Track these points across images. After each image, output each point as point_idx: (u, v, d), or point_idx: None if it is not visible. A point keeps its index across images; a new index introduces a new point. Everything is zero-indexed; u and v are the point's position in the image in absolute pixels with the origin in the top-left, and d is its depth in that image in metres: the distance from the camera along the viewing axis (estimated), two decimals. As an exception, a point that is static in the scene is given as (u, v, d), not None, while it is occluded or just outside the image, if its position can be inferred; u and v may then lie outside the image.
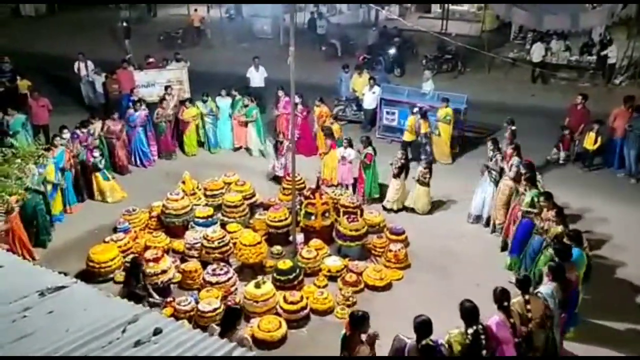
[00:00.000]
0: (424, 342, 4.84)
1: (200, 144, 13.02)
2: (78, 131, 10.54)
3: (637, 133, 11.00)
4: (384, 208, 10.14)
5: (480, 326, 5.17)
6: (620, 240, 9.12)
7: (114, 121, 11.43)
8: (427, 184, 9.93)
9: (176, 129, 12.76)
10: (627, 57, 17.69)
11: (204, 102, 12.77)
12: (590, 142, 11.64)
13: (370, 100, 13.65)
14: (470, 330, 5.11)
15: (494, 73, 18.70)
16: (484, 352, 5.14)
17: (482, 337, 5.12)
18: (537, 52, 17.71)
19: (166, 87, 13.23)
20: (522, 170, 8.52)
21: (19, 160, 5.86)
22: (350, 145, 10.53)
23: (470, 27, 21.60)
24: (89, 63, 15.04)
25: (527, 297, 5.64)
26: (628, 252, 8.82)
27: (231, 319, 5.23)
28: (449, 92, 13.45)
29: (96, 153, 10.41)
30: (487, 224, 9.60)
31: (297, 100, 12.47)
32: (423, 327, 4.90)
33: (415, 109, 12.11)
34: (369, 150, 10.26)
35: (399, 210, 10.16)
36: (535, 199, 7.86)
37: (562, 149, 12.14)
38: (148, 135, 12.14)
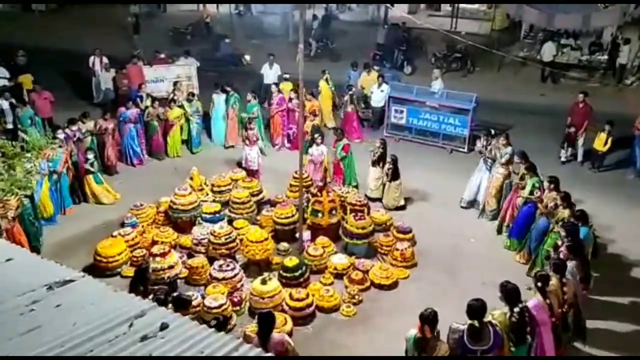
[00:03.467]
0: (470, 322, 5.04)
1: (185, 142, 12.76)
2: (68, 130, 10.28)
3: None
4: (367, 197, 10.13)
5: (523, 305, 5.37)
6: (626, 242, 9.03)
7: (105, 120, 11.29)
8: (394, 179, 9.98)
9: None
10: (638, 57, 17.53)
11: (189, 101, 12.61)
12: (600, 143, 11.53)
13: (378, 98, 13.62)
14: (516, 309, 5.28)
15: (504, 72, 18.59)
16: (528, 328, 5.36)
17: (526, 314, 5.34)
18: (547, 51, 17.58)
19: (175, 83, 13.26)
20: (516, 160, 8.96)
21: (28, 154, 5.88)
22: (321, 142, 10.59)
23: (480, 25, 21.43)
24: (104, 59, 15.07)
25: (564, 279, 5.91)
26: (631, 252, 8.76)
27: (268, 325, 5.04)
28: (459, 91, 13.40)
29: (89, 155, 10.18)
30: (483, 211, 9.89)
31: (292, 95, 12.53)
32: (471, 311, 5.05)
33: (287, 75, 13.63)
34: (346, 141, 10.55)
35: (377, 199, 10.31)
36: (537, 185, 8.33)
37: (569, 147, 12.07)
38: (139, 134, 11.98)
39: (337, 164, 10.67)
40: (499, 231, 9.28)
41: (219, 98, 12.93)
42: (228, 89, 12.96)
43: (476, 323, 4.99)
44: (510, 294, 5.36)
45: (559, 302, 5.81)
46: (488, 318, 5.22)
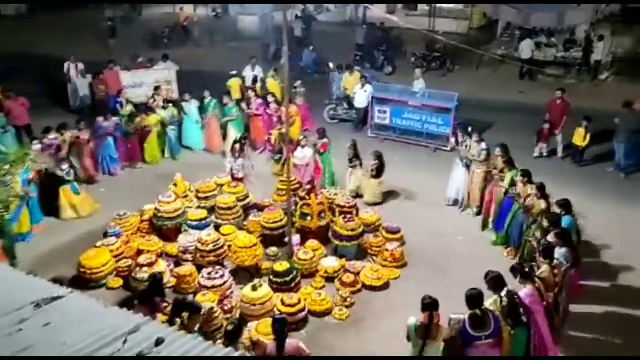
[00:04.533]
0: (471, 312, 5.27)
1: (162, 151, 12.42)
2: (46, 140, 9.87)
3: (627, 128, 11.09)
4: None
5: (508, 289, 5.63)
6: (608, 234, 9.18)
7: (80, 131, 10.86)
8: (377, 176, 10.11)
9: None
10: (612, 53, 17.91)
11: (165, 108, 12.31)
12: (579, 138, 11.69)
13: (361, 99, 13.59)
14: (502, 293, 5.55)
15: (482, 71, 18.79)
16: (522, 310, 5.60)
17: (515, 297, 5.57)
18: (526, 49, 17.79)
19: (156, 88, 13.01)
20: (497, 152, 9.14)
21: (7, 167, 5.67)
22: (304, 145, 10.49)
23: (458, 24, 21.66)
24: (80, 65, 14.74)
25: (553, 264, 6.25)
26: (614, 245, 8.91)
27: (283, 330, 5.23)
28: (439, 90, 13.46)
29: (64, 166, 9.70)
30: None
31: (271, 99, 12.47)
32: (470, 300, 5.29)
33: (234, 72, 14.28)
34: (325, 140, 10.57)
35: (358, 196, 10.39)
36: (515, 179, 8.56)
37: (542, 142, 12.24)
38: (117, 143, 11.61)
39: (317, 162, 10.63)
40: (484, 227, 9.42)
41: (189, 106, 12.65)
42: (206, 94, 12.75)
43: (478, 312, 5.21)
44: (494, 281, 5.67)
45: (552, 286, 6.12)
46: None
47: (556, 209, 7.71)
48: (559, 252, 6.49)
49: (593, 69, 17.53)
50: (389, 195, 10.66)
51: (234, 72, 14.31)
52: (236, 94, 13.68)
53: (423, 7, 25.31)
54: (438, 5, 23.76)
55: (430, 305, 5.19)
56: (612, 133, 11.61)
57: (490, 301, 5.56)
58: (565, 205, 7.61)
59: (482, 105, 14.73)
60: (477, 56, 17.81)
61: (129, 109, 12.32)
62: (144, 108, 12.39)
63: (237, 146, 10.39)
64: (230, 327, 5.35)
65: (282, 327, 5.19)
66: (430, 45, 19.21)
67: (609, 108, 12.81)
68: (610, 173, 11.61)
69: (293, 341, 5.20)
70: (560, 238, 6.67)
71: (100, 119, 11.42)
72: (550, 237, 6.79)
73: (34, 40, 21.72)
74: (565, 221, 7.27)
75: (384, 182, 10.33)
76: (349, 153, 10.41)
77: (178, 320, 5.70)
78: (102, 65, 14.68)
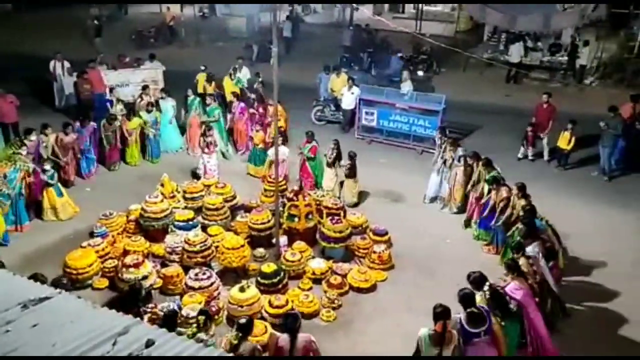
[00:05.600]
0: (468, 310, 5.45)
1: (143, 152, 12.26)
2: (27, 142, 9.63)
3: (612, 132, 11.27)
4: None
5: (489, 283, 5.99)
6: (594, 236, 9.35)
7: (66, 135, 10.60)
8: (352, 176, 10.23)
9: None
10: (597, 58, 18.20)
11: (149, 112, 12.11)
12: (564, 141, 11.85)
13: (349, 100, 13.63)
14: (485, 288, 5.89)
15: (469, 73, 18.94)
16: (508, 298, 5.97)
17: (497, 287, 5.95)
18: (515, 52, 17.98)
19: (144, 87, 12.89)
20: (469, 161, 9.57)
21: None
22: (283, 143, 10.46)
23: (445, 27, 21.81)
24: (66, 63, 14.55)
25: (528, 255, 6.76)
26: (602, 245, 9.07)
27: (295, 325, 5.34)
28: (426, 92, 13.55)
29: (47, 166, 9.51)
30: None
31: (252, 96, 12.45)
32: (464, 300, 5.49)
33: (203, 67, 14.49)
34: (314, 143, 10.56)
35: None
36: (497, 177, 8.87)
37: (528, 145, 12.43)
38: (94, 145, 11.39)
39: (304, 165, 10.62)
40: (466, 225, 9.61)
41: (165, 104, 12.56)
42: (189, 93, 12.66)
43: (475, 309, 5.39)
44: (475, 280, 6.00)
45: (532, 275, 6.57)
46: None
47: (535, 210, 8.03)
48: (529, 248, 6.95)
49: (578, 73, 17.80)
50: (375, 197, 10.71)
51: (202, 67, 14.43)
52: (201, 88, 13.75)
53: (410, 10, 25.50)
54: (425, 7, 23.94)
55: (442, 314, 5.22)
56: (597, 137, 11.78)
57: (478, 299, 5.76)
58: (530, 210, 7.87)
59: (468, 107, 14.85)
60: (463, 59, 17.97)
61: (119, 107, 12.20)
62: (128, 108, 12.27)
63: (201, 139, 10.33)
64: (242, 321, 5.38)
65: (294, 322, 5.28)
66: (417, 48, 19.34)
67: (593, 112, 13.02)
68: (594, 177, 11.75)
69: (305, 335, 5.30)
70: (525, 235, 7.26)
71: (76, 124, 11.11)
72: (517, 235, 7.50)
73: (19, 39, 21.41)
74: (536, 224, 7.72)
75: (359, 181, 10.38)
76: (331, 153, 10.37)
77: (194, 326, 5.93)
78: (88, 64, 14.51)
